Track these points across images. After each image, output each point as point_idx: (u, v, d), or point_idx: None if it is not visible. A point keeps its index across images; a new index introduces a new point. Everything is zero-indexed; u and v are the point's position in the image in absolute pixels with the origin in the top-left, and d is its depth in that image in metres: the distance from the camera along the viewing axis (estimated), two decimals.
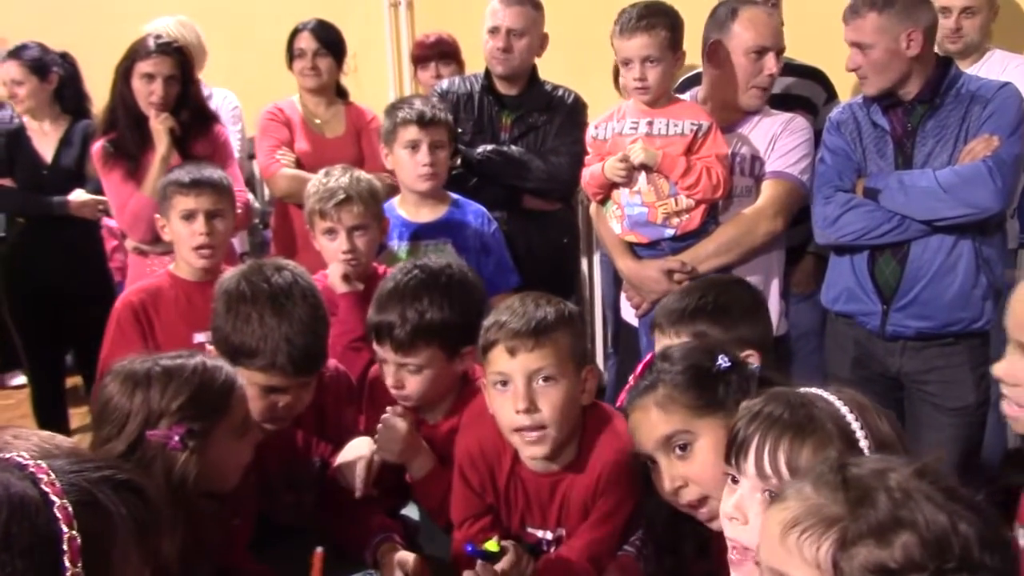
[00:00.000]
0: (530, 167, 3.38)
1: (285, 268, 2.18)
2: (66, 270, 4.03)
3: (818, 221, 2.88)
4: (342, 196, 2.75)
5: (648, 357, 1.75)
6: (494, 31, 3.43)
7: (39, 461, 1.03)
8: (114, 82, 3.46)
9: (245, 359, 2.04)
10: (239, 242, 4.04)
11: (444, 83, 3.65)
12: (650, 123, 2.81)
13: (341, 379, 2.41)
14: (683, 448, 1.65)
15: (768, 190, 2.89)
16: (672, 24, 2.77)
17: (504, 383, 1.93)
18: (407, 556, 2.05)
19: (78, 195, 4.02)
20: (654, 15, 2.74)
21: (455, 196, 3.17)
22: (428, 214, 3.12)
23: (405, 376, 2.21)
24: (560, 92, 3.53)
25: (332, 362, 2.40)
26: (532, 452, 1.97)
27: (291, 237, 3.73)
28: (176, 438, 1.71)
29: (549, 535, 2.07)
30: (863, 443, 1.34)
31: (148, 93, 3.38)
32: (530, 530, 2.09)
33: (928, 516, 1.02)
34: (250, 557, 2.01)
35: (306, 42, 3.86)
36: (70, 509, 0.98)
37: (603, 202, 2.97)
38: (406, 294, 2.21)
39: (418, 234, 3.10)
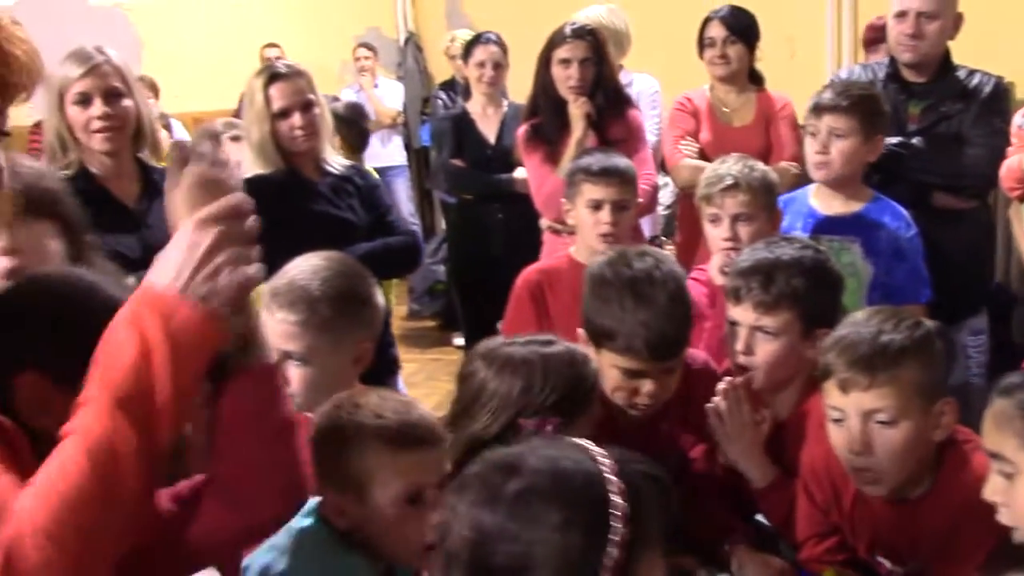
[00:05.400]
0: (940, 161, 3.09)
1: (648, 254, 2.20)
2: (505, 241, 4.31)
3: None
4: (729, 182, 2.68)
5: None
6: (901, 15, 3.14)
7: (595, 451, 1.16)
8: (536, 70, 3.66)
9: (606, 340, 2.09)
10: (649, 225, 4.10)
11: (843, 72, 3.45)
12: None
13: (710, 373, 2.36)
14: (1007, 476, 1.48)
15: None
16: None
17: (839, 419, 1.82)
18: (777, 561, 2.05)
19: (521, 172, 4.23)
20: None
21: (875, 192, 2.94)
22: (840, 207, 2.92)
23: (757, 341, 2.16)
24: (977, 78, 3.17)
25: (702, 355, 2.40)
26: (867, 490, 1.87)
27: (695, 227, 3.70)
28: (549, 429, 1.77)
29: (900, 569, 1.92)
30: None
31: (566, 78, 3.53)
32: (880, 560, 1.95)
33: None
34: None
35: (716, 30, 3.80)
36: (623, 486, 1.10)
37: (1022, 199, 2.68)
38: (774, 259, 2.17)
39: (823, 227, 2.93)
